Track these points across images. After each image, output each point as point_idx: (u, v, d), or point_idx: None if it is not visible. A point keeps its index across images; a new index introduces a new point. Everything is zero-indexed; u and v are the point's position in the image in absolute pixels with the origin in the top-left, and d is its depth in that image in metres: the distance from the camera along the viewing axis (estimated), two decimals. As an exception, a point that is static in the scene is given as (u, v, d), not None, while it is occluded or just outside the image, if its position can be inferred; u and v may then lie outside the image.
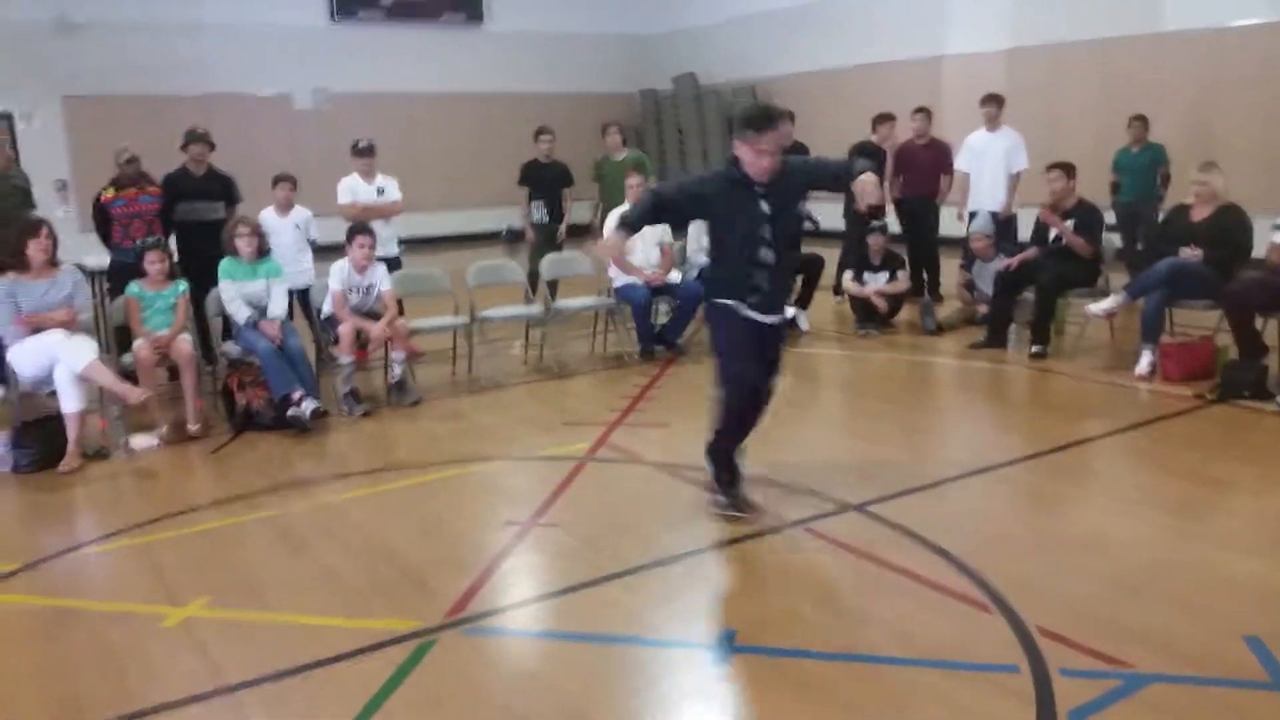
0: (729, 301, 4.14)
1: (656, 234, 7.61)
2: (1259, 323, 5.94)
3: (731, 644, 3.21)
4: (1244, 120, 9.75)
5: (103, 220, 6.83)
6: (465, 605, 3.55)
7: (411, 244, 8.23)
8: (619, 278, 7.48)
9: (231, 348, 6.23)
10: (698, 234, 7.93)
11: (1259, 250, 6.23)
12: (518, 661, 3.26)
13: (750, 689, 3.00)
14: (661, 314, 7.76)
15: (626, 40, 17.30)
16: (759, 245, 4.08)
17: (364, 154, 7.64)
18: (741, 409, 4.24)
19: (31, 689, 3.12)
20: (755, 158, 3.98)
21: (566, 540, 4.14)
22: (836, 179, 4.24)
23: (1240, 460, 4.86)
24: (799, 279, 8.45)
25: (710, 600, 3.58)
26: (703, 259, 7.79)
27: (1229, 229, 6.15)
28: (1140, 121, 9.00)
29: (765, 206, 4.07)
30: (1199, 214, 6.32)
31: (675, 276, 7.57)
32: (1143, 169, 8.98)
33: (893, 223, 9.05)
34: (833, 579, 3.71)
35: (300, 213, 7.38)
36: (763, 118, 4.01)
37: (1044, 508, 4.42)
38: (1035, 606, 3.35)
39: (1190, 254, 6.22)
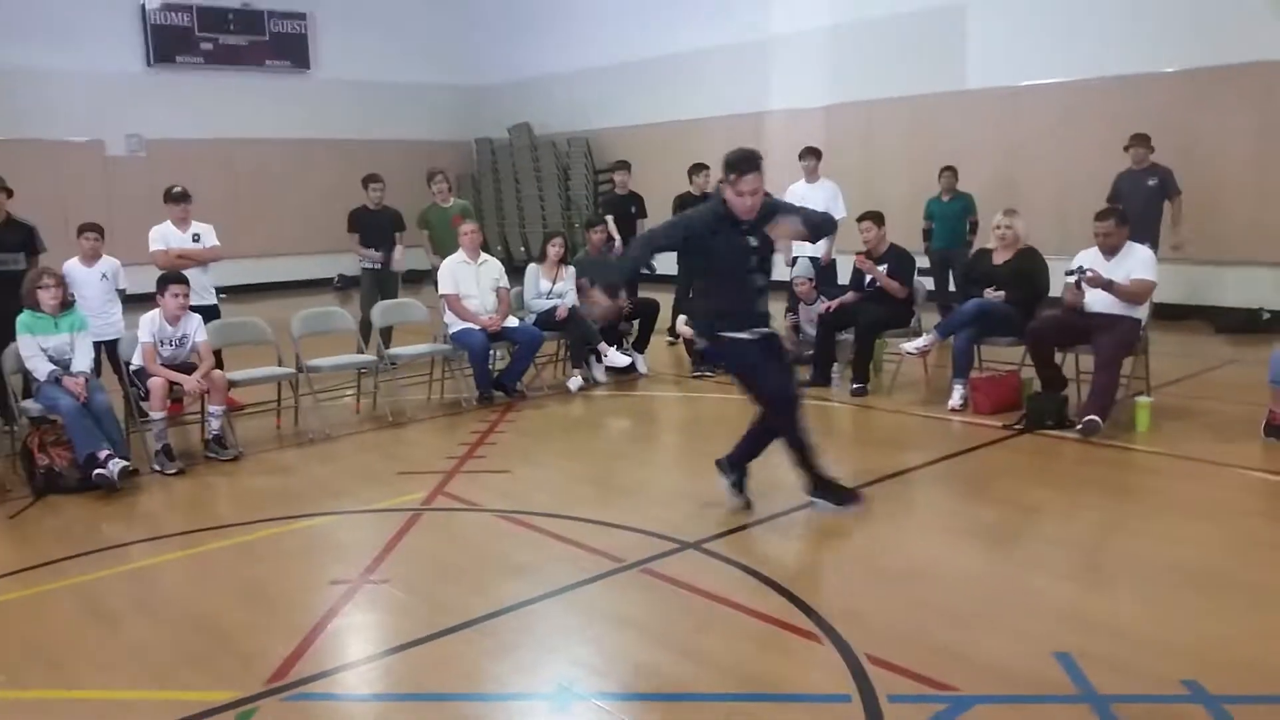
0: (738, 334, 4.56)
1: (493, 278, 7.57)
2: (1058, 357, 6.38)
3: (568, 693, 3.17)
4: (1041, 170, 10.56)
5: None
6: (288, 671, 3.36)
7: (234, 290, 7.89)
8: (455, 323, 7.39)
9: (31, 405, 5.77)
10: (534, 279, 7.94)
11: (1055, 290, 6.72)
12: (346, 726, 3.10)
13: (589, 737, 2.96)
14: (499, 359, 7.71)
15: (460, 90, 17.29)
16: (751, 273, 4.56)
17: (178, 200, 7.30)
18: (792, 413, 4.68)
19: None
20: (737, 198, 4.38)
21: (399, 596, 3.99)
22: (816, 230, 4.71)
23: (1047, 486, 5.19)
24: (635, 323, 8.58)
25: (547, 649, 3.51)
26: (540, 304, 7.81)
27: (1029, 271, 6.61)
28: (950, 172, 9.66)
29: (752, 241, 4.51)
30: (1000, 257, 6.77)
31: (513, 321, 7.53)
32: (953, 216, 9.62)
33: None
34: (668, 619, 3.71)
35: (108, 262, 6.94)
36: (742, 161, 4.36)
37: (870, 538, 4.57)
38: (864, 635, 3.45)
39: (993, 294, 6.65)
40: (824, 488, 4.74)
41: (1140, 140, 8.73)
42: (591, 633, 3.67)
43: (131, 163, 14.17)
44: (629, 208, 9.60)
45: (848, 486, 4.81)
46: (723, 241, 4.48)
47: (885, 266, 7.26)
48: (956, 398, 6.61)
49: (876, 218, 7.37)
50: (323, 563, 4.47)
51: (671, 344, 9.23)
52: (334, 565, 4.35)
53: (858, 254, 7.45)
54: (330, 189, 15.15)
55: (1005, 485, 5.24)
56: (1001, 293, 6.60)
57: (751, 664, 3.31)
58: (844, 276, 8.76)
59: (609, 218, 9.15)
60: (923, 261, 8.56)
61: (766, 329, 4.69)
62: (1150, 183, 8.66)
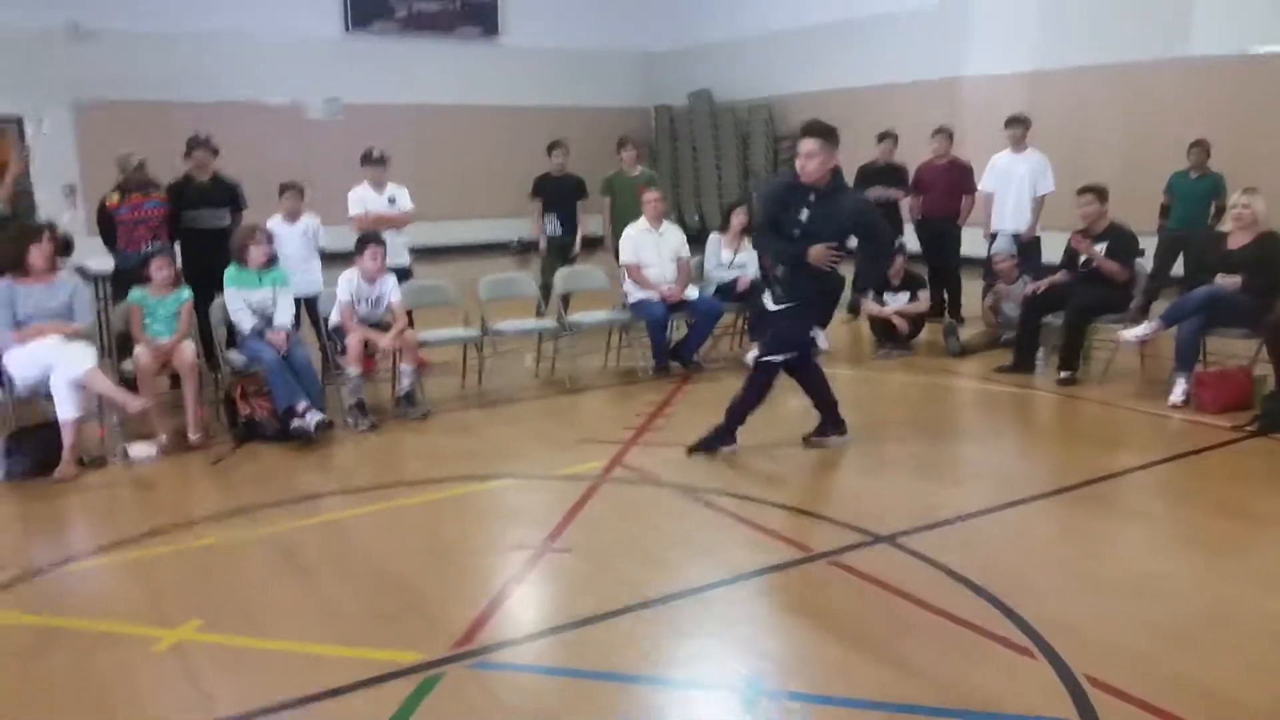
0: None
1: (673, 248, 7.43)
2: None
3: (758, 689, 3.00)
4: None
5: (107, 226, 6.64)
6: (473, 637, 3.34)
7: (420, 253, 8.03)
8: (634, 292, 7.30)
9: (235, 357, 6.05)
10: (715, 250, 7.76)
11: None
12: (528, 699, 3.02)
13: (779, 737, 2.79)
14: (676, 330, 7.59)
15: (641, 56, 17.19)
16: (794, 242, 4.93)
17: (375, 163, 7.48)
18: (763, 384, 5.27)
19: (5, 715, 2.92)
20: (798, 160, 4.93)
21: (581, 567, 3.93)
22: (868, 240, 5.20)
23: (1286, 497, 4.65)
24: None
25: (735, 638, 3.36)
26: (721, 275, 7.63)
27: (1268, 257, 5.94)
28: (1200, 147, 8.68)
29: (803, 215, 4.89)
30: (1237, 240, 6.12)
31: (692, 292, 7.38)
32: (1198, 196, 8.65)
33: (912, 242, 8.88)
34: (864, 619, 3.48)
35: (308, 220, 7.20)
36: (804, 128, 4.96)
37: (1082, 545, 4.19)
38: (1081, 653, 3.13)
39: (1228, 281, 6.02)
40: (718, 441, 5.27)
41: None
42: (778, 624, 3.50)
43: (329, 125, 14.75)
44: (568, 188, 8.70)
45: (725, 446, 5.26)
46: (782, 204, 5.01)
47: (1103, 246, 6.68)
48: (1179, 392, 6.03)
49: (1100, 192, 6.78)
50: (506, 526, 4.46)
51: (845, 321, 8.88)
52: (517, 530, 4.34)
53: (1074, 232, 6.88)
54: (513, 154, 15.40)
55: (1236, 493, 4.72)
56: (1237, 279, 5.97)
57: (956, 674, 3.06)
58: (1048, 255, 8.19)
59: (538, 199, 8.62)
60: (1153, 242, 7.83)
61: (789, 303, 5.11)
62: None
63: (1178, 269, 8.38)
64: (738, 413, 5.29)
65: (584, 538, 4.21)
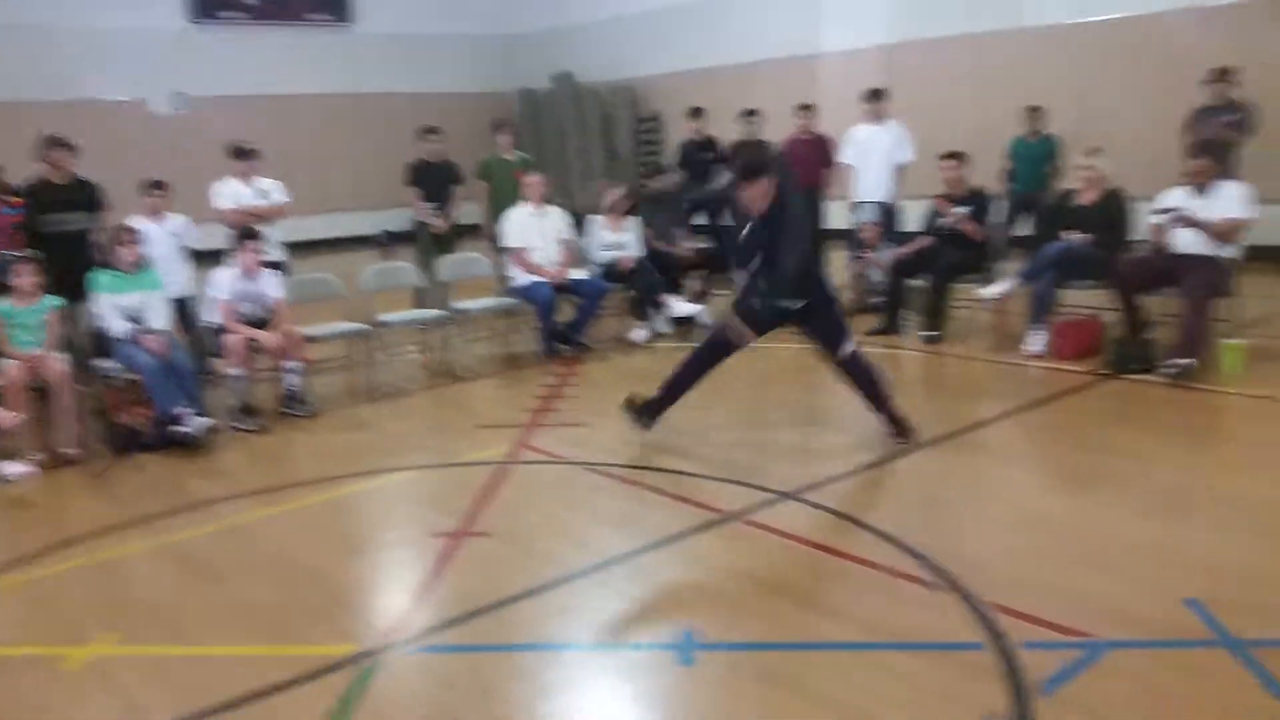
0: None
1: (557, 230, 7.48)
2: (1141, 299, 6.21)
3: (692, 642, 3.12)
4: (1114, 109, 10.18)
5: (-45, 233, 6.24)
6: (407, 623, 3.35)
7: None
8: (521, 276, 7.32)
9: (109, 365, 5.79)
10: (596, 231, 7.84)
11: (1140, 233, 6.52)
12: (470, 676, 3.06)
13: (718, 687, 2.92)
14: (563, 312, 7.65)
15: (501, 39, 17.04)
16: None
17: (245, 156, 7.27)
18: (707, 359, 5.18)
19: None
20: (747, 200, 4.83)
21: (503, 549, 3.97)
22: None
23: (1143, 431, 5.06)
24: (703, 274, 8.48)
25: (662, 599, 3.48)
26: (604, 255, 7.72)
27: (1113, 212, 6.42)
28: (1035, 112, 9.23)
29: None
30: (1085, 198, 6.58)
31: (577, 274, 7.45)
32: (1037, 158, 9.21)
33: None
34: (781, 569, 3.66)
35: (176, 219, 6.93)
36: (741, 170, 4.83)
37: (969, 487, 4.49)
38: (984, 582, 3.38)
39: (1076, 237, 6.48)
40: (650, 413, 5.18)
41: (1221, 75, 8.38)
42: (706, 583, 3.63)
43: (175, 120, 14.14)
44: (444, 175, 8.65)
45: (653, 420, 5.19)
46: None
47: (965, 208, 7.08)
48: (1036, 343, 6.47)
49: (960, 156, 7.17)
50: (420, 516, 4.45)
51: (724, 295, 9.12)
52: (431, 518, 4.33)
53: (937, 195, 7.26)
54: (373, 144, 15.12)
55: (1099, 431, 5.12)
56: (1085, 235, 6.43)
57: (876, 613, 3.26)
58: (909, 222, 8.59)
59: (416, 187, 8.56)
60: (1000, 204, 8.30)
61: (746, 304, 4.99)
62: (1227, 119, 8.34)
63: (1023, 229, 8.94)
64: (670, 387, 5.19)
65: (501, 520, 4.25)
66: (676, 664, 3.03)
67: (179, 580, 3.86)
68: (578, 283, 7.38)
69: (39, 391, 5.66)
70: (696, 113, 9.56)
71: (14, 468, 5.17)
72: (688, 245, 8.34)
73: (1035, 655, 2.92)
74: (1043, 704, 2.67)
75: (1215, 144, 6.97)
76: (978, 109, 11.08)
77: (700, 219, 9.47)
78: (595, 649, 3.17)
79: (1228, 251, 5.92)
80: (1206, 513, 4.03)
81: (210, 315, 6.15)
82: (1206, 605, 3.14)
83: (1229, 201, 5.89)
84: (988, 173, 8.45)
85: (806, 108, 9.17)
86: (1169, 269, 5.98)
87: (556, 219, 7.56)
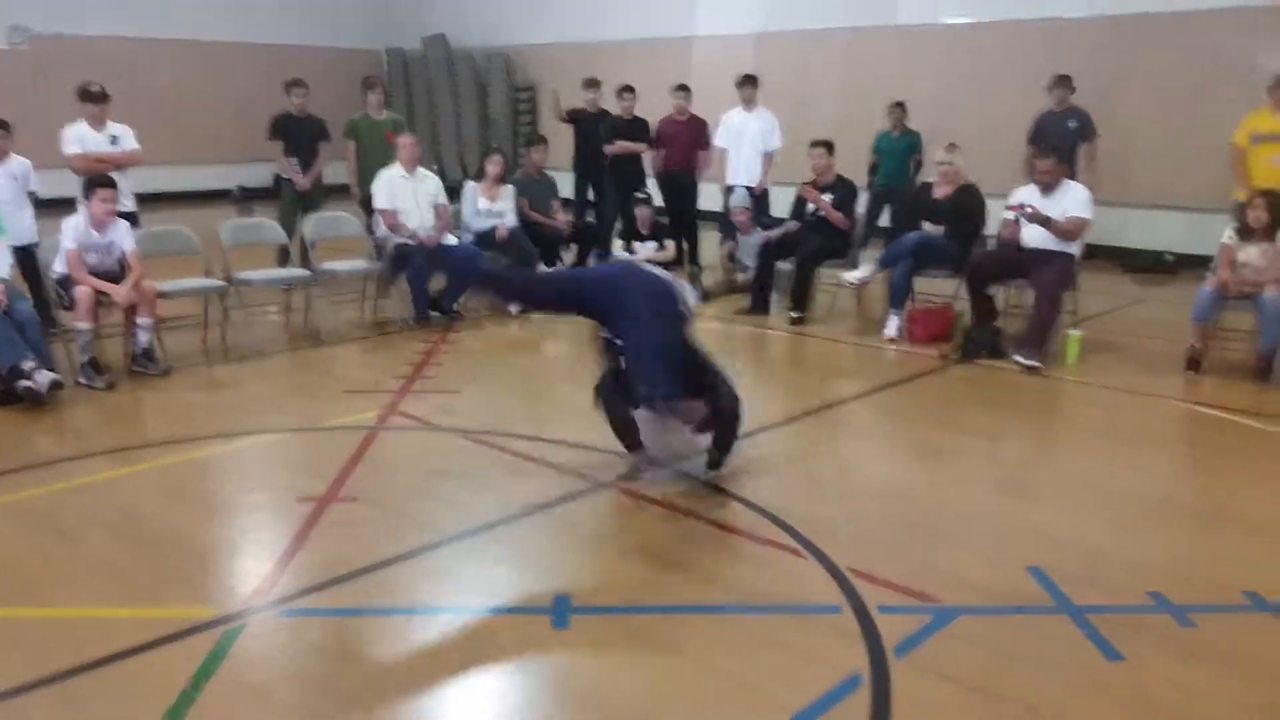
0: None
1: (430, 194, 7.36)
2: (991, 290, 6.58)
3: (566, 606, 3.18)
4: (972, 108, 10.66)
5: None
6: (271, 587, 3.28)
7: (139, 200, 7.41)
8: (392, 240, 7.16)
9: (-58, 313, 5.39)
10: (472, 197, 7.75)
11: (991, 228, 6.91)
12: (340, 641, 3.03)
13: (593, 648, 2.98)
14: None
15: (370, -5, 16.51)
16: None
17: (95, 99, 6.84)
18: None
19: None
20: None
21: (372, 513, 3.92)
22: None
23: (991, 413, 5.39)
24: (573, 247, 8.51)
25: (538, 565, 3.52)
26: (479, 223, 7.65)
27: (968, 206, 6.77)
28: (900, 108, 9.63)
29: None
30: (941, 192, 6.91)
31: (450, 240, 7.35)
32: (900, 153, 9.63)
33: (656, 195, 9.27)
34: (651, 535, 3.75)
35: (18, 162, 6.50)
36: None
37: (828, 459, 4.71)
38: (843, 550, 3.55)
39: (933, 228, 6.80)
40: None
41: (1062, 82, 8.92)
42: (576, 548, 3.69)
43: (15, 55, 13.15)
44: (310, 130, 8.46)
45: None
46: None
47: (830, 196, 7.33)
48: (893, 327, 6.78)
49: (829, 145, 7.42)
50: (284, 480, 4.34)
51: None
52: (296, 482, 4.23)
53: (804, 183, 7.49)
54: (233, 95, 14.45)
55: (950, 411, 5.43)
56: (941, 227, 6.76)
57: (739, 577, 3.39)
58: (777, 207, 8.84)
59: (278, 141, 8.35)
60: (864, 195, 8.63)
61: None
62: (1070, 124, 8.89)
63: (885, 220, 9.32)
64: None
65: (370, 485, 4.20)
66: (551, 627, 3.08)
67: (27, 540, 3.66)
68: (450, 249, 7.29)
69: None
70: (592, 83, 9.54)
71: None
72: (563, 218, 8.36)
73: (889, 619, 3.09)
74: (897, 666, 2.84)
75: (1062, 148, 7.46)
76: (846, 101, 11.46)
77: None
78: (468, 612, 3.19)
79: (1072, 248, 6.34)
80: (1049, 490, 4.35)
81: (57, 265, 5.80)
82: (1048, 574, 3.39)
83: (1074, 202, 6.30)
84: (853, 163, 8.75)
85: (683, 88, 9.28)
86: (1018, 262, 6.36)
87: (430, 183, 7.44)
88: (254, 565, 3.47)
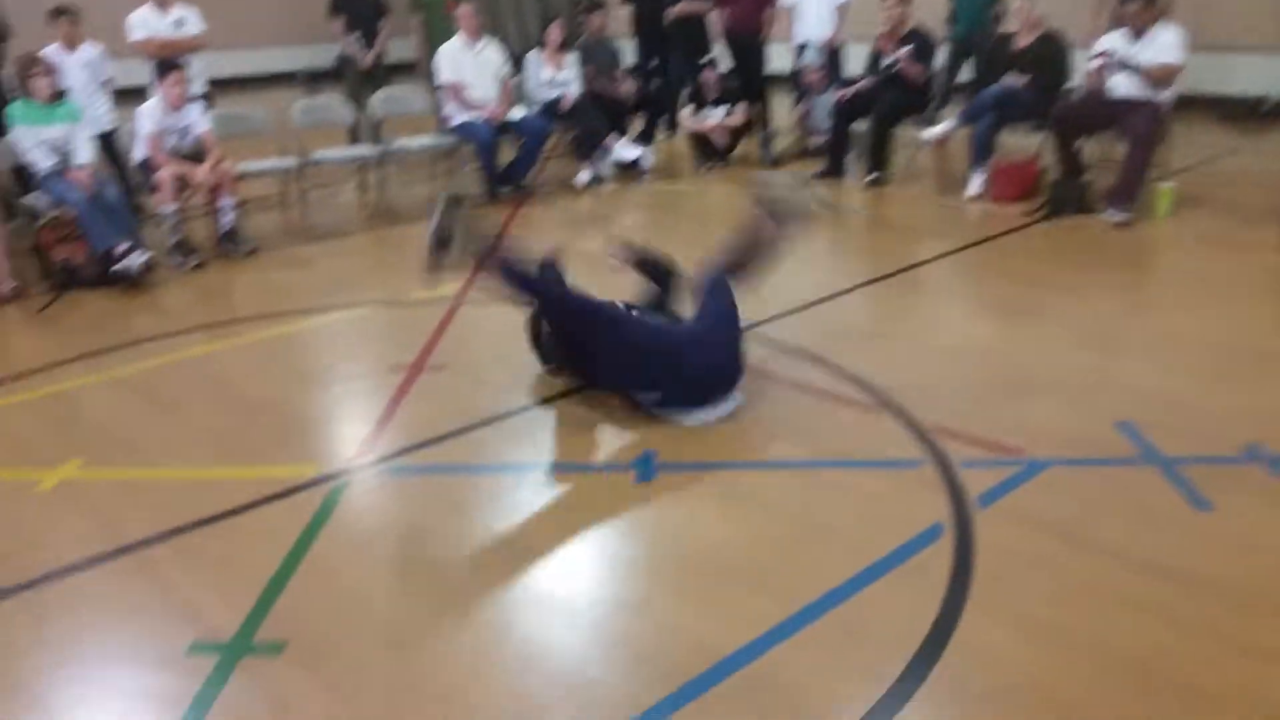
0: None
1: (494, 66, 7.26)
2: (1078, 144, 6.33)
3: (651, 462, 3.26)
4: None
5: None
6: (372, 447, 3.43)
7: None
8: (458, 114, 7.13)
9: (39, 200, 5.57)
10: (535, 68, 7.64)
11: (1077, 78, 6.59)
12: (442, 495, 3.16)
13: (678, 500, 3.07)
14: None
15: None
16: None
17: (159, -18, 6.83)
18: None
19: (-106, 570, 2.81)
20: None
21: (463, 381, 4.03)
22: None
23: (1081, 269, 5.24)
24: (640, 116, 8.36)
25: (621, 426, 3.59)
26: (544, 94, 7.55)
27: (1051, 55, 6.46)
28: None
29: None
30: (1023, 40, 6.60)
31: (517, 112, 7.28)
32: (980, 3, 9.04)
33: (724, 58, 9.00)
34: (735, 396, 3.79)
35: (89, 49, 6.57)
36: None
37: (909, 321, 4.66)
38: (926, 408, 3.55)
39: (1015, 79, 6.52)
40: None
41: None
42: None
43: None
44: (370, 6, 8.31)
45: None
46: None
47: (907, 49, 7.04)
48: (976, 185, 6.59)
49: (875, -5, 7.09)
50: (373, 351, 4.47)
51: (664, 139, 9.06)
52: (385, 352, 4.36)
53: (879, 34, 7.20)
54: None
55: (1035, 269, 5.30)
56: (1024, 78, 6.47)
57: (821, 434, 3.43)
58: (851, 65, 8.53)
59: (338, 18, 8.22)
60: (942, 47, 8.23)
61: None
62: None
63: (966, 73, 8.91)
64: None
65: (456, 355, 4.30)
66: (635, 482, 3.17)
67: (135, 410, 3.86)
68: (517, 122, 7.23)
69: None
70: None
71: (-56, 304, 5.03)
72: (628, 86, 8.20)
73: (975, 472, 3.11)
74: (981, 515, 2.87)
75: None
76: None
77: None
78: (557, 469, 3.29)
79: (1162, 97, 6.04)
80: (1139, 344, 4.25)
81: (137, 151, 5.92)
82: (1138, 427, 3.36)
83: (1164, 47, 5.96)
84: (930, 15, 8.35)
85: (747, -57, 8.86)
86: (1106, 113, 6.08)
87: (492, 54, 7.33)
88: (353, 429, 3.61)
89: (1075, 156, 6.26)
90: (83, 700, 2.25)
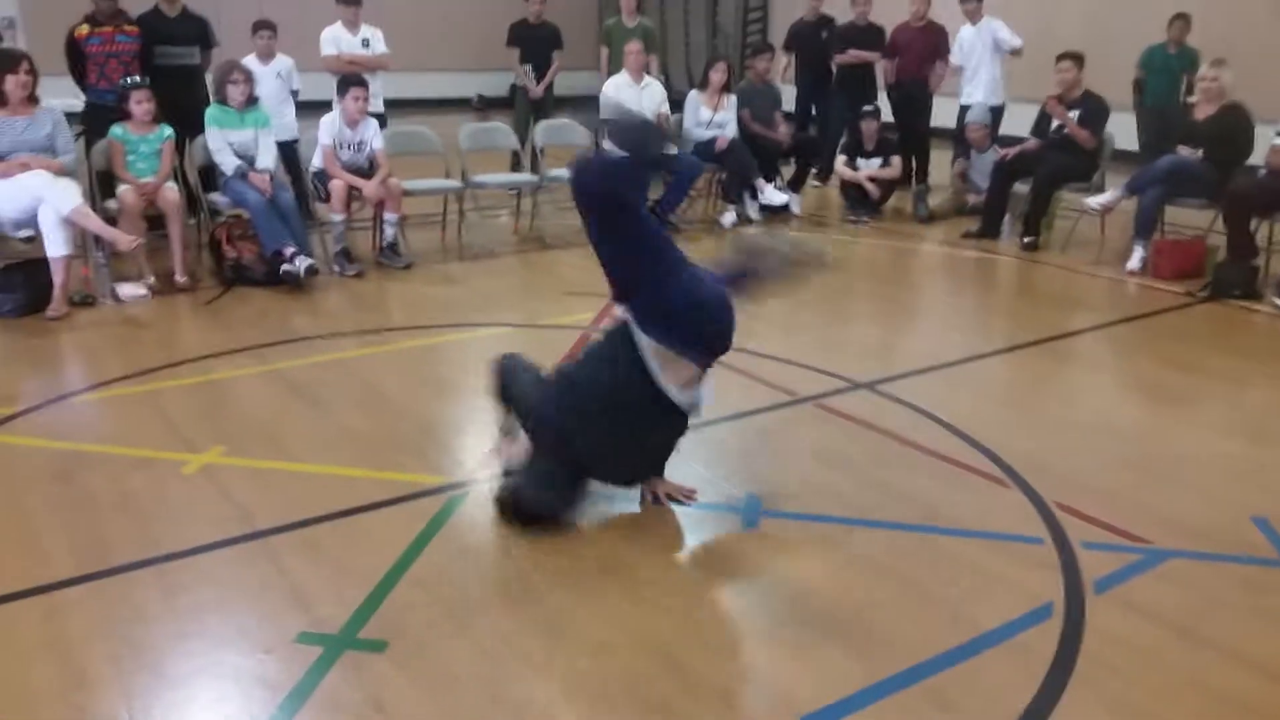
0: None
1: (655, 102, 7.43)
2: (1252, 225, 6.00)
3: (757, 508, 3.26)
4: (1254, 21, 9.56)
5: (76, 58, 6.44)
6: (492, 465, 3.54)
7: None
8: (615, 149, 7.30)
9: (219, 199, 6.02)
10: (694, 107, 7.77)
11: (1258, 155, 6.25)
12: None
13: (782, 550, 3.06)
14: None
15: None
16: None
17: (351, 2, 7.30)
18: None
19: (53, 530, 3.07)
20: None
21: (583, 405, 4.12)
22: None
23: (1234, 355, 4.97)
24: (792, 161, 8.38)
25: (733, 467, 3.61)
26: (700, 134, 7.67)
27: (1232, 129, 6.16)
28: (1183, 20, 8.56)
29: None
30: (1203, 112, 6.32)
31: (671, 150, 7.41)
32: (1174, 71, 8.61)
33: (885, 109, 8.94)
34: (851, 452, 3.75)
35: (282, 61, 7.08)
36: None
37: (1047, 392, 4.51)
38: (1051, 483, 3.43)
39: (1189, 152, 6.24)
40: None
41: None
42: (772, 456, 3.75)
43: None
44: (545, 37, 8.65)
45: None
46: None
47: (1077, 113, 6.84)
48: (1136, 259, 6.32)
49: (1077, 58, 6.90)
50: (505, 369, 4.62)
51: (816, 187, 9.06)
52: (516, 372, 4.50)
53: (1050, 96, 7.02)
54: (470, 3, 14.94)
55: (1188, 350, 5.04)
56: (1199, 150, 6.19)
57: (939, 500, 3.35)
58: (1017, 125, 8.33)
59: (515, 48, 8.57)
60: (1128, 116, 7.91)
61: None
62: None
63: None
64: None
65: (582, 379, 4.39)
66: (741, 526, 3.18)
67: (280, 404, 4.11)
68: (671, 159, 7.35)
69: (152, 221, 5.95)
70: None
71: (129, 290, 5.48)
72: (785, 131, 8.24)
73: (1093, 555, 2.98)
74: (1095, 600, 2.75)
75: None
76: (1102, 10, 10.52)
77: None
78: (663, 507, 3.33)
79: (1353, 181, 5.67)
80: (1288, 439, 4.00)
81: (314, 161, 6.32)
82: (1275, 525, 3.16)
83: (1362, 128, 5.61)
84: (1108, 82, 8.09)
85: (922, -10, 8.81)
86: (1287, 194, 5.76)
87: (655, 91, 7.52)
88: (477, 442, 3.74)
89: (1248, 237, 5.93)
90: (196, 672, 2.41)
